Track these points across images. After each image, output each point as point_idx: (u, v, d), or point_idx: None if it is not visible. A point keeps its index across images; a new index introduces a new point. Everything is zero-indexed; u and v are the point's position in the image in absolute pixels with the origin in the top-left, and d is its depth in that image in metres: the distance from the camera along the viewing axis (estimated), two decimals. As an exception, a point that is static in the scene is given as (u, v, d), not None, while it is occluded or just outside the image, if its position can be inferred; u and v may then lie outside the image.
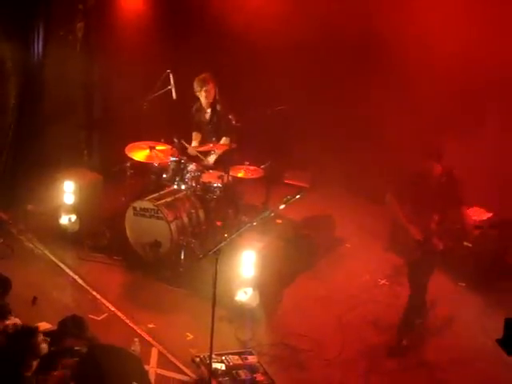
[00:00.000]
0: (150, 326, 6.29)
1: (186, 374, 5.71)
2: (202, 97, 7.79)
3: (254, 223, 5.54)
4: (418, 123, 8.36)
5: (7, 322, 5.20)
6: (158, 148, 7.59)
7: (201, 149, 7.76)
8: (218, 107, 7.79)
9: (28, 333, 4.79)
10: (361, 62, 8.99)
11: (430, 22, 7.94)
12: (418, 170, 6.03)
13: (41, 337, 4.82)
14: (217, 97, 7.80)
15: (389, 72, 8.36)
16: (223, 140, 7.74)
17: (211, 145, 7.65)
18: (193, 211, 7.41)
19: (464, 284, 7.49)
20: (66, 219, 7.67)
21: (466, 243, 7.46)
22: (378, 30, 8.27)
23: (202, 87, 7.73)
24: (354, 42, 8.89)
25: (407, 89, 8.33)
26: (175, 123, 8.54)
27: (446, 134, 7.59)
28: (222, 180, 7.45)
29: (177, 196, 7.43)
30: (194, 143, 8.03)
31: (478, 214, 7.67)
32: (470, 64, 7.71)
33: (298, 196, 5.56)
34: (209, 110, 7.89)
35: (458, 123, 7.87)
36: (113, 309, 6.52)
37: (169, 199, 7.33)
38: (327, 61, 9.20)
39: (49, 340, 5.01)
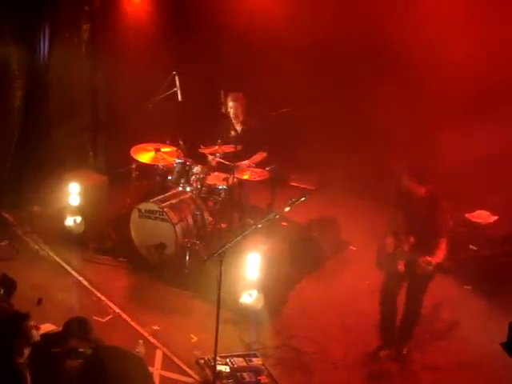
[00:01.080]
0: (155, 327, 6.29)
1: (190, 376, 5.71)
2: (229, 108, 7.89)
3: (259, 225, 5.54)
4: (425, 125, 8.36)
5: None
6: (163, 150, 7.60)
7: (208, 151, 7.75)
8: (251, 123, 7.87)
9: (17, 318, 4.76)
10: (367, 63, 8.99)
11: (438, 23, 7.93)
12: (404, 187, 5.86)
13: (31, 323, 4.79)
14: (242, 117, 7.89)
15: (396, 74, 8.35)
16: (259, 154, 7.86)
17: (217, 147, 7.65)
18: (198, 213, 7.40)
19: (469, 287, 7.47)
20: (71, 221, 7.68)
21: (471, 246, 7.44)
22: (385, 30, 8.27)
23: (230, 101, 7.87)
24: (361, 43, 8.89)
25: (414, 90, 8.34)
26: (181, 125, 8.55)
27: (454, 134, 7.59)
28: (227, 182, 7.45)
29: (182, 198, 7.43)
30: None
31: (482, 218, 7.64)
32: (480, 64, 7.70)
33: (303, 198, 5.56)
34: (238, 128, 7.94)
35: (467, 124, 7.84)
36: (117, 310, 6.53)
37: (174, 201, 7.33)
38: (333, 63, 9.21)
39: (40, 327, 4.98)
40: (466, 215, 7.67)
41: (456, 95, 8.09)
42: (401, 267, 5.73)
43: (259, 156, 7.88)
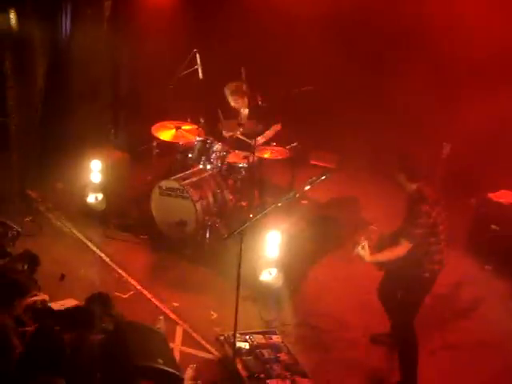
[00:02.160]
0: (175, 304, 6.35)
1: (210, 352, 5.76)
2: (232, 102, 7.83)
3: (279, 204, 5.53)
4: (450, 110, 8.26)
5: (35, 298, 5.28)
6: (184, 128, 7.61)
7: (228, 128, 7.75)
8: (260, 103, 7.67)
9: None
10: (392, 43, 8.88)
11: (462, 4, 7.80)
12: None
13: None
14: (248, 101, 7.82)
15: (421, 56, 8.27)
16: (274, 127, 7.77)
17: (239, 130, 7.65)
18: (218, 191, 7.42)
19: (490, 267, 7.42)
20: (92, 198, 7.75)
21: (493, 226, 7.38)
22: (410, 11, 8.16)
23: (230, 96, 7.79)
24: (385, 23, 8.77)
25: (440, 72, 8.25)
26: (202, 103, 8.54)
27: (480, 119, 7.49)
28: (248, 160, 7.44)
29: (202, 176, 7.45)
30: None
31: (505, 198, 7.56)
32: (503, 46, 7.57)
33: (323, 177, 5.54)
34: (246, 111, 7.89)
35: (493, 105, 7.73)
36: (138, 287, 6.59)
37: (194, 179, 7.35)
38: (358, 42, 9.12)
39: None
40: (489, 195, 7.60)
41: (485, 78, 7.98)
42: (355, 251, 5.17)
43: (274, 129, 7.78)
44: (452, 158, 7.61)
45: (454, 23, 8.03)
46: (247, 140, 7.58)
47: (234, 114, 7.91)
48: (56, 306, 5.43)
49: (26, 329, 4.83)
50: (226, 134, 7.85)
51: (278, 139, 7.77)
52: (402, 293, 5.42)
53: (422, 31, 8.22)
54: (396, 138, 8.73)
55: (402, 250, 5.10)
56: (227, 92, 7.84)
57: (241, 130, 7.69)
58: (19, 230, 6.73)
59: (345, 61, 8.91)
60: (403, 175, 5.22)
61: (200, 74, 7.80)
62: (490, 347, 6.08)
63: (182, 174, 7.42)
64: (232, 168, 7.58)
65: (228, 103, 7.94)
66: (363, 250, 5.08)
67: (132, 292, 6.51)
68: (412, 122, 8.69)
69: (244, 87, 7.76)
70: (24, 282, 5.34)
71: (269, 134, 7.76)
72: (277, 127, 7.82)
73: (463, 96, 8.10)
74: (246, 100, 7.84)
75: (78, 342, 4.81)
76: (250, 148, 7.41)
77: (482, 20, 7.56)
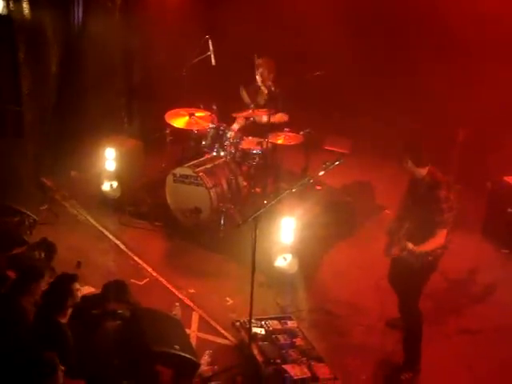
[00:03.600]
0: (191, 291, 6.38)
1: (226, 338, 5.79)
2: (257, 74, 7.78)
3: (294, 190, 5.53)
4: (464, 94, 8.18)
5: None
6: (197, 114, 7.60)
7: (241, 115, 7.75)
8: (273, 89, 7.70)
9: (67, 278, 4.92)
10: (407, 30, 8.82)
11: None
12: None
13: (77, 285, 4.95)
14: (270, 81, 7.74)
15: (438, 42, 8.20)
16: (279, 115, 7.70)
17: (250, 111, 7.63)
18: (232, 178, 7.43)
19: (507, 251, 7.37)
20: (107, 186, 7.79)
21: (509, 209, 7.32)
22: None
23: (258, 66, 7.73)
24: (400, 11, 8.71)
25: (456, 61, 8.16)
26: (214, 89, 8.53)
27: (495, 103, 7.42)
28: (262, 146, 7.43)
29: (216, 163, 7.45)
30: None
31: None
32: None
33: (337, 162, 5.52)
34: (266, 91, 7.85)
35: (507, 91, 7.66)
36: (154, 274, 6.63)
37: (208, 166, 7.36)
38: (373, 28, 9.07)
39: (79, 287, 5.12)
40: (505, 178, 7.53)
41: (504, 66, 7.89)
42: (395, 251, 5.28)
43: (280, 117, 7.70)
44: (467, 142, 7.56)
45: (467, 7, 7.93)
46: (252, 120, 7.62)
47: (244, 106, 7.86)
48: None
49: None
50: (235, 115, 7.82)
51: (291, 125, 7.74)
52: (406, 276, 5.38)
53: (436, 17, 8.13)
54: (410, 123, 8.70)
55: (441, 239, 5.12)
56: (258, 63, 7.76)
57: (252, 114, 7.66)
58: (36, 218, 6.79)
59: (359, 46, 8.88)
60: (410, 162, 5.16)
61: (212, 61, 7.78)
62: (506, 331, 6.05)
63: (195, 161, 7.43)
64: (246, 154, 7.57)
65: (240, 96, 7.92)
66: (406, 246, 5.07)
67: (148, 279, 6.55)
68: (427, 107, 8.62)
69: (270, 62, 7.75)
70: (38, 266, 5.39)
71: (274, 118, 7.59)
72: (283, 117, 7.73)
73: (477, 81, 8.03)
74: (271, 76, 7.76)
75: (94, 329, 4.88)
76: (262, 133, 7.40)
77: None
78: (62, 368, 4.13)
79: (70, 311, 4.86)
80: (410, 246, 5.05)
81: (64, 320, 4.76)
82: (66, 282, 4.88)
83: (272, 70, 7.75)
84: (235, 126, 7.83)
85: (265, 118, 7.57)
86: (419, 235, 5.14)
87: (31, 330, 4.67)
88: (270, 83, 7.74)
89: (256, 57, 7.78)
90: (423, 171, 5.17)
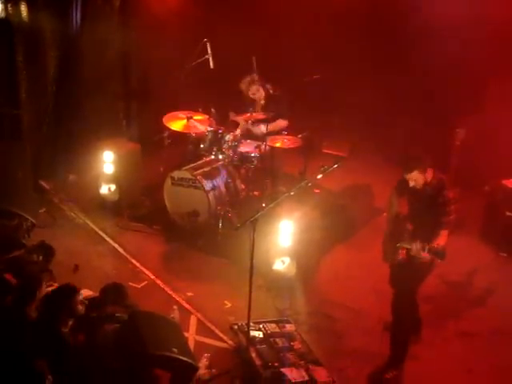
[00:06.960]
0: (189, 294, 6.38)
1: (224, 341, 5.79)
2: (250, 94, 7.76)
3: (292, 193, 5.54)
4: (463, 97, 8.19)
5: (49, 289, 5.31)
6: (195, 118, 7.60)
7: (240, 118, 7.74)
8: (271, 91, 7.71)
9: (65, 292, 4.90)
10: (404, 30, 8.81)
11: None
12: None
13: (79, 298, 4.93)
14: (264, 94, 7.74)
15: (432, 43, 8.19)
16: (279, 121, 7.69)
17: (248, 114, 7.63)
18: (230, 181, 7.43)
19: (505, 254, 7.38)
20: (105, 189, 7.78)
21: (508, 213, 7.33)
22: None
23: (248, 89, 7.71)
24: (396, 11, 8.72)
25: (450, 61, 8.17)
26: (213, 93, 8.53)
27: (494, 106, 7.42)
28: (260, 150, 7.44)
29: (214, 166, 7.45)
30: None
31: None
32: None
33: (335, 165, 5.53)
34: (262, 102, 7.83)
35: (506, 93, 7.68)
36: (152, 277, 6.63)
37: (207, 169, 7.36)
38: (369, 30, 9.07)
39: (86, 302, 5.12)
40: (503, 182, 7.54)
41: (498, 62, 7.92)
42: (402, 256, 5.29)
43: (279, 123, 7.71)
44: (466, 145, 7.56)
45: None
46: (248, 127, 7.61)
47: (246, 107, 7.84)
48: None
49: None
50: (232, 117, 7.81)
51: (289, 128, 7.74)
52: (404, 276, 5.41)
53: (436, 20, 8.14)
54: (409, 125, 8.71)
55: (445, 238, 5.15)
56: (243, 87, 7.77)
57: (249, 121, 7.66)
58: (34, 221, 6.77)
59: (357, 49, 8.88)
60: (416, 171, 5.17)
61: (211, 64, 7.78)
62: (504, 335, 6.05)
63: (193, 164, 7.43)
64: (244, 158, 7.56)
65: (239, 97, 7.91)
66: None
67: (146, 282, 6.54)
68: (425, 109, 8.62)
69: (256, 77, 7.72)
70: (35, 274, 5.35)
71: (271, 128, 7.65)
72: (282, 123, 7.72)
73: (477, 83, 8.05)
74: (262, 91, 7.76)
75: (92, 332, 4.87)
76: (260, 137, 7.41)
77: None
78: (50, 377, 4.10)
79: (72, 321, 4.85)
80: (434, 243, 5.04)
81: (66, 329, 4.76)
82: (63, 297, 4.85)
83: (259, 83, 7.71)
84: (238, 132, 7.79)
85: (262, 128, 7.58)
86: (423, 237, 5.14)
87: (32, 337, 4.64)
88: (268, 86, 7.74)
89: (255, 60, 7.75)
90: (429, 175, 5.22)
